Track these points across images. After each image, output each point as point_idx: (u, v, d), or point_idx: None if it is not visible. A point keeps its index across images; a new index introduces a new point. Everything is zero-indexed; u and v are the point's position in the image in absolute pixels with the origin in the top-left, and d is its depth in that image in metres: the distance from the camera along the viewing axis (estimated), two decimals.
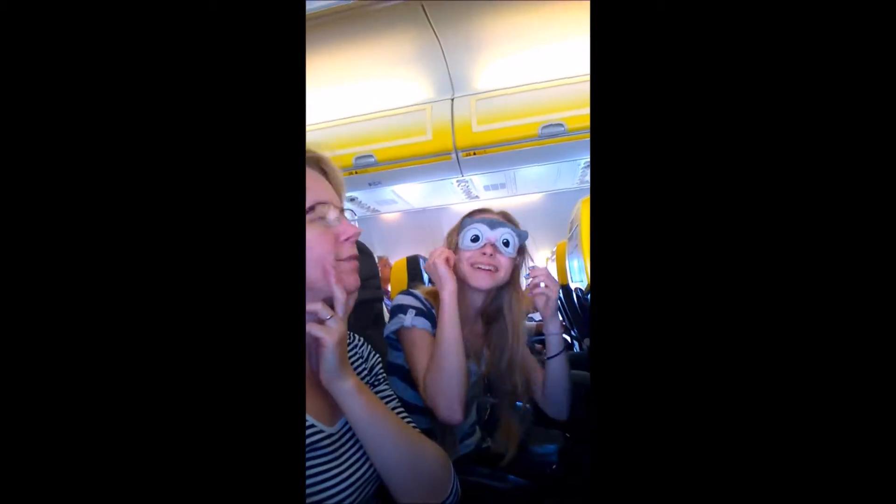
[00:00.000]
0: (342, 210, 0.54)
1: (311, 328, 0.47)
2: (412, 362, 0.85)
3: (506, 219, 0.94)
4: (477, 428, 1.06)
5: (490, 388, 1.01)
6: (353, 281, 0.52)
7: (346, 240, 0.52)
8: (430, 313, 0.89)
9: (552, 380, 0.92)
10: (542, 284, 0.89)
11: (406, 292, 0.92)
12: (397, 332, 0.89)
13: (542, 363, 0.96)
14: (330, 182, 0.55)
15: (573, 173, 2.88)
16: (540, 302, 0.91)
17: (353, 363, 0.60)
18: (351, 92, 2.09)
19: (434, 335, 0.85)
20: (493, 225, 0.89)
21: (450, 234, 0.94)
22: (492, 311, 0.97)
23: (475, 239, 0.89)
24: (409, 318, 0.86)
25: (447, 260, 0.84)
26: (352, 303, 0.53)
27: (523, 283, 0.97)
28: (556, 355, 0.91)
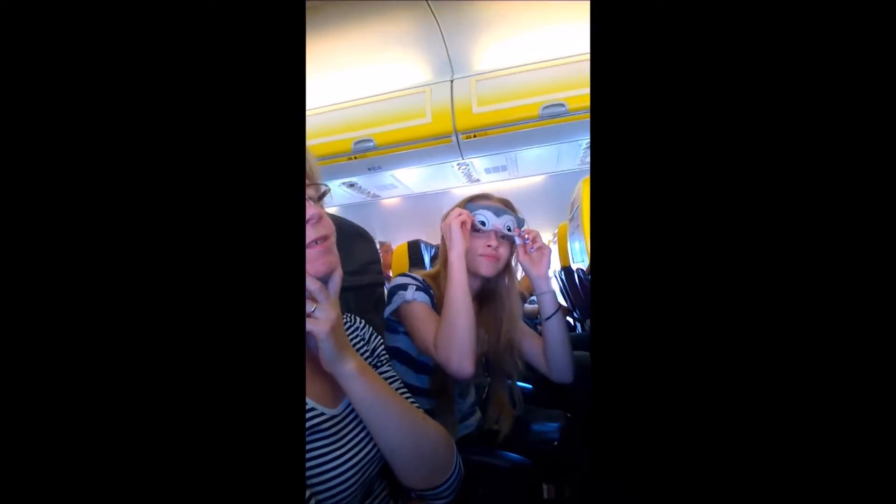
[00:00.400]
0: None
1: None
2: (418, 333, 0.86)
3: (507, 206, 0.96)
4: (477, 409, 1.08)
5: (488, 369, 1.03)
6: (324, 264, 0.49)
7: (306, 223, 0.48)
8: (428, 291, 0.90)
9: (551, 340, 0.93)
10: (530, 238, 0.91)
11: (403, 275, 0.94)
12: (398, 310, 0.90)
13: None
14: None
15: (574, 154, 2.85)
16: (533, 260, 0.92)
17: (354, 345, 0.61)
18: (349, 76, 2.06)
19: (435, 311, 0.88)
20: (498, 213, 0.91)
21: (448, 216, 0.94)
22: (485, 294, 0.99)
23: (481, 224, 0.91)
24: (410, 293, 0.88)
25: (463, 224, 0.86)
26: (337, 283, 0.51)
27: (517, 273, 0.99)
28: (551, 315, 0.92)
